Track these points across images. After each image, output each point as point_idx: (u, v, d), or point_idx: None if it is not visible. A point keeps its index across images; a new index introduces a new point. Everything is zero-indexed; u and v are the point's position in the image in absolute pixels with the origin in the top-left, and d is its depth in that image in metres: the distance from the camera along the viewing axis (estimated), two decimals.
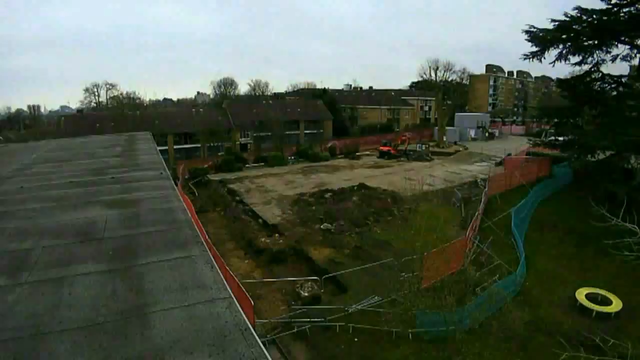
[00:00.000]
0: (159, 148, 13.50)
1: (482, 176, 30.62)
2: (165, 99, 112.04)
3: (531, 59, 25.64)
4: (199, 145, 51.43)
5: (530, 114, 69.03)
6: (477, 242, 18.90)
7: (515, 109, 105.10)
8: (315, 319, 13.74)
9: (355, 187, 29.69)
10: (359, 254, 18.94)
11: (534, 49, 25.04)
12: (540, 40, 24.44)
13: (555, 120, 27.42)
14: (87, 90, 72.54)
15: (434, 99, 73.38)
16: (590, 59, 23.99)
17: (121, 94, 67.45)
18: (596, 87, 24.96)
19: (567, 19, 22.88)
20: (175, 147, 52.12)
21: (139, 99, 66.68)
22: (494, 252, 18.27)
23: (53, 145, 15.05)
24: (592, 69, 24.22)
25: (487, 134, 56.89)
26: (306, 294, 15.40)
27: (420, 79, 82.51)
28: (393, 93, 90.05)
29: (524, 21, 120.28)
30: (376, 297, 14.95)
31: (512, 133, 63.38)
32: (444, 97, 70.83)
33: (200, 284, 3.74)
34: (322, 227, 22.10)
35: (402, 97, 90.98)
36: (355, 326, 13.42)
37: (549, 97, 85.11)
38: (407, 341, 12.64)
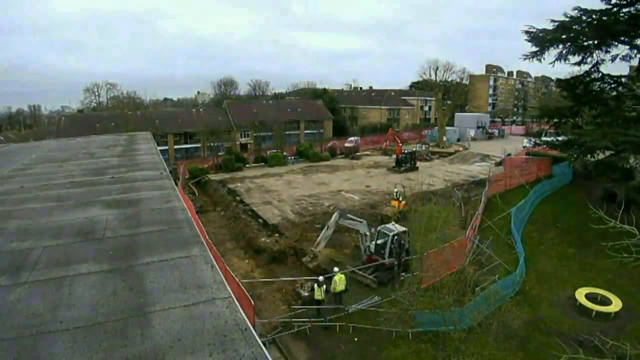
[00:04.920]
0: (159, 148, 13.53)
1: (481, 176, 30.61)
2: (165, 99, 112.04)
3: (531, 59, 25.63)
4: (199, 145, 51.44)
5: (530, 114, 69.03)
6: (476, 242, 18.92)
7: (515, 109, 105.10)
8: (316, 319, 13.77)
9: None
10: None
11: (534, 49, 25.05)
12: (540, 40, 24.43)
13: (555, 120, 27.42)
14: (87, 90, 72.58)
15: (433, 99, 73.36)
16: (590, 59, 23.96)
17: (122, 93, 67.40)
18: (596, 87, 24.90)
19: (567, 19, 22.87)
20: (175, 147, 52.19)
21: (140, 98, 66.64)
22: (493, 252, 18.28)
23: (53, 145, 15.07)
24: (592, 69, 24.17)
25: (486, 134, 57.44)
26: (306, 294, 15.39)
27: (420, 79, 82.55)
28: (393, 93, 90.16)
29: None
30: (376, 297, 14.99)
31: (512, 133, 63.44)
32: (443, 97, 70.79)
33: (201, 284, 3.76)
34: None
35: (402, 97, 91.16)
36: (355, 326, 13.44)
37: (548, 97, 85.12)
38: (407, 341, 12.64)
